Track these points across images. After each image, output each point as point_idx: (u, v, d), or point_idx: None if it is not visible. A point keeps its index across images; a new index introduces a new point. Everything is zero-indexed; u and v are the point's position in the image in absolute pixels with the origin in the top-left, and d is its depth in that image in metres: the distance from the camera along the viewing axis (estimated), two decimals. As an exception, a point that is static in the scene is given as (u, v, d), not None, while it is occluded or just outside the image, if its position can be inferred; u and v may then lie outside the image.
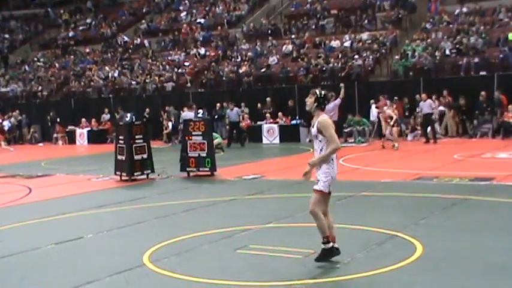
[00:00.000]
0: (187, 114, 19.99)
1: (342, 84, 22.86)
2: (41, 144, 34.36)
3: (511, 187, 12.65)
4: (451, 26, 30.50)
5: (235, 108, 26.94)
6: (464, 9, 31.34)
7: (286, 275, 7.07)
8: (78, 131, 33.40)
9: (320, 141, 7.38)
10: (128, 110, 27.04)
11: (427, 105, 23.38)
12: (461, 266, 7.20)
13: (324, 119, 7.39)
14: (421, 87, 26.29)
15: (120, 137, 16.63)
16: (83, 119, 33.50)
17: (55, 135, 33.92)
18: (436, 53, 28.02)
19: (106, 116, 32.90)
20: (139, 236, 9.66)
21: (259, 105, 29.11)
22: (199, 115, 17.45)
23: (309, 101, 7.53)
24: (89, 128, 33.28)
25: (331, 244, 7.40)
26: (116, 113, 31.78)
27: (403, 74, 28.34)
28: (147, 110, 31.25)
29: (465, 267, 7.12)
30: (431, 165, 16.59)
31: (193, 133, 16.51)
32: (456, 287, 6.43)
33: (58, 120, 34.24)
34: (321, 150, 7.36)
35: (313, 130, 7.47)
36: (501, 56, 26.55)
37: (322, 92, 7.55)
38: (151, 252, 8.37)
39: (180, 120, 21.21)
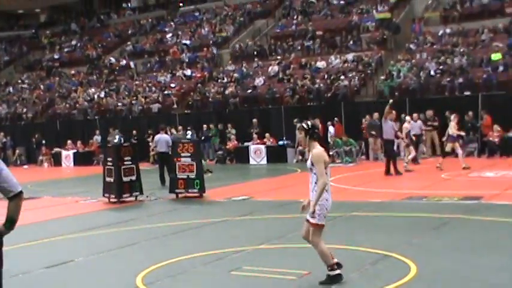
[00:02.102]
0: (161, 137, 19.76)
1: (391, 100, 20.98)
2: (26, 166, 34.11)
3: (499, 206, 12.74)
4: (435, 46, 30.86)
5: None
6: (448, 30, 31.71)
7: (282, 296, 7.04)
8: (64, 153, 33.21)
9: (315, 173, 7.38)
10: (116, 132, 27.10)
11: (418, 126, 23.39)
12: (456, 285, 7.21)
13: (317, 152, 7.38)
14: (407, 107, 26.50)
15: (109, 159, 16.56)
16: (69, 141, 33.34)
17: (40, 157, 33.71)
18: (421, 73, 28.32)
19: (98, 138, 32.63)
20: (131, 259, 9.58)
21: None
22: (188, 136, 17.44)
23: (300, 137, 7.56)
24: (74, 150, 33.10)
25: (337, 271, 7.39)
26: (103, 136, 31.64)
27: (388, 94, 28.52)
28: (134, 131, 31.17)
29: (459, 287, 7.13)
30: (419, 185, 16.67)
31: (182, 154, 16.48)
32: (452, 307, 6.44)
33: (43, 142, 34.06)
34: (315, 182, 7.37)
35: (308, 163, 7.50)
36: (484, 76, 26.85)
37: (309, 123, 7.61)
38: (144, 274, 8.31)
39: (154, 144, 20.90)
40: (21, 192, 5.10)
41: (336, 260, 7.48)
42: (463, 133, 21.87)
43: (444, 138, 21.38)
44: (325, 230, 10.73)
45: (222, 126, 30.08)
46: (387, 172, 19.46)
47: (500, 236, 9.93)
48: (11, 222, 5.14)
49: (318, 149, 7.41)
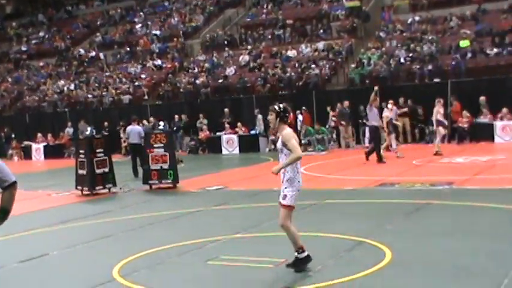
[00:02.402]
0: (133, 128, 19.63)
1: (376, 88, 20.68)
2: (-5, 160, 33.62)
3: (470, 191, 12.95)
4: (404, 34, 31.11)
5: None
6: (417, 18, 31.98)
7: (259, 284, 7.10)
8: (34, 146, 32.83)
9: (285, 155, 7.45)
10: (86, 123, 26.88)
11: (394, 113, 23.17)
12: (431, 270, 7.33)
13: (287, 132, 7.47)
14: (378, 95, 26.71)
15: (81, 151, 16.43)
16: (39, 134, 32.96)
17: (10, 151, 33.26)
18: (391, 61, 28.54)
19: (70, 130, 32.27)
20: (107, 251, 9.55)
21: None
22: (161, 127, 17.40)
23: (271, 118, 7.61)
24: (45, 143, 32.74)
25: (306, 253, 7.48)
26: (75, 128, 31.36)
27: (359, 82, 28.74)
28: (106, 123, 30.92)
29: (435, 271, 7.25)
30: (391, 172, 16.84)
31: (155, 145, 16.41)
32: (427, 290, 6.55)
33: (13, 135, 33.62)
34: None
35: (278, 144, 7.56)
36: (453, 63, 27.15)
37: (281, 106, 7.65)
38: (121, 266, 8.28)
39: (126, 135, 20.76)
40: (15, 182, 5.11)
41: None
42: (445, 121, 21.82)
43: (434, 127, 21.31)
44: (299, 218, 10.83)
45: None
46: (380, 159, 19.08)
47: (473, 220, 10.11)
48: (4, 212, 5.17)
49: (287, 130, 7.49)
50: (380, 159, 19.11)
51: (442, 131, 20.66)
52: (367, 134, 23.10)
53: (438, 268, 7.36)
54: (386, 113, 20.68)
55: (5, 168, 5.18)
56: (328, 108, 26.91)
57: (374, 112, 19.49)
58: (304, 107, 27.22)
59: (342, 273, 7.27)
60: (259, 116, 27.46)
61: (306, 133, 26.23)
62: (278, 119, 7.53)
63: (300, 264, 7.48)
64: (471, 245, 8.33)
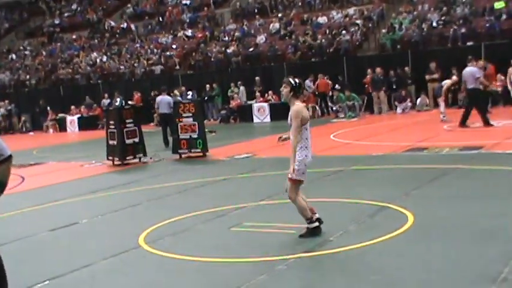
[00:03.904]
0: (162, 98, 19.77)
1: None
2: (31, 133, 34.31)
3: (499, 155, 12.79)
4: (436, -3, 30.49)
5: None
6: (450, -20, 31.24)
7: (280, 250, 7.16)
8: (69, 118, 33.35)
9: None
10: (120, 94, 27.18)
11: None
12: (451, 233, 7.31)
13: (297, 107, 7.47)
14: (409, 59, 26.46)
15: (111, 122, 16.65)
16: (73, 106, 33.43)
17: (46, 123, 33.85)
18: (423, 25, 28.05)
19: (106, 102, 32.57)
20: (134, 219, 9.73)
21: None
22: (189, 97, 17.48)
23: (284, 91, 7.61)
24: (79, 115, 33.21)
25: (316, 223, 7.55)
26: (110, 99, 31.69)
27: (390, 47, 28.37)
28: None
29: (455, 234, 7.23)
30: (421, 137, 16.70)
31: (184, 115, 16.52)
32: (447, 254, 6.53)
33: (48, 108, 34.16)
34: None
35: (289, 119, 7.58)
36: (487, 25, 26.58)
37: (297, 81, 7.65)
38: (147, 234, 8.45)
39: (156, 106, 20.94)
40: (10, 156, 5.16)
41: (317, 216, 7.62)
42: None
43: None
44: (325, 184, 10.90)
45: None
46: (487, 122, 17.73)
47: (499, 184, 10.00)
48: (1, 185, 5.19)
49: (298, 105, 7.50)
50: (487, 122, 17.76)
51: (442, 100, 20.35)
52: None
53: (460, 232, 7.33)
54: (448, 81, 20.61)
55: (1, 142, 5.18)
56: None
57: (473, 74, 17.85)
58: (320, 74, 27.09)
59: (363, 238, 7.30)
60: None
61: (337, 100, 26.09)
62: (292, 92, 7.53)
63: (309, 235, 7.54)
64: (495, 209, 8.26)
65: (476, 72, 18.02)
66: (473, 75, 17.79)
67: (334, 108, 26.41)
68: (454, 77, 20.93)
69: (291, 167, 7.47)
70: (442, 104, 20.28)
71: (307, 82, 26.59)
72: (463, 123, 17.92)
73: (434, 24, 28.00)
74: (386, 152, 14.41)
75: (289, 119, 7.58)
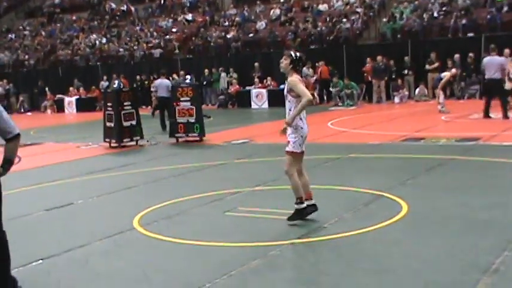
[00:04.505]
0: (161, 82, 19.72)
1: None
2: (29, 113, 34.25)
3: (496, 146, 12.81)
4: (438, -13, 30.36)
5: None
6: (452, -30, 31.12)
7: (274, 235, 7.19)
8: (67, 99, 33.29)
9: (289, 101, 7.48)
10: (117, 77, 27.14)
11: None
12: (445, 223, 7.34)
13: (295, 78, 7.44)
14: (409, 49, 26.43)
15: (109, 104, 16.63)
16: (71, 88, 33.36)
17: (44, 103, 33.79)
18: (424, 15, 27.99)
19: (104, 84, 32.48)
20: (129, 201, 9.74)
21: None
22: (187, 81, 17.45)
23: (284, 62, 7.58)
24: (77, 96, 33.16)
25: (304, 205, 7.56)
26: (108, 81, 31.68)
27: (391, 36, 28.31)
28: (138, 77, 31.15)
29: (448, 225, 7.25)
30: (418, 127, 16.69)
31: (182, 99, 16.50)
32: (440, 244, 6.56)
33: (46, 89, 34.09)
34: (290, 110, 7.47)
35: (285, 90, 7.55)
36: (488, 16, 26.53)
37: (298, 54, 7.61)
38: (141, 216, 8.47)
39: (154, 88, 20.88)
40: (18, 134, 5.27)
41: (312, 202, 7.64)
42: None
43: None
44: (321, 172, 10.90)
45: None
46: (506, 115, 17.27)
47: (495, 176, 10.03)
48: (8, 163, 5.34)
49: (294, 77, 7.44)
50: (506, 114, 17.29)
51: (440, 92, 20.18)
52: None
53: (453, 222, 7.36)
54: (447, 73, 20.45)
55: (10, 120, 5.32)
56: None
57: (502, 64, 17.48)
58: (322, 62, 27.04)
59: (357, 225, 7.32)
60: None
61: (335, 84, 26.01)
62: (291, 65, 7.49)
63: (296, 216, 7.54)
64: (489, 200, 8.28)
65: (505, 62, 17.74)
66: (502, 65, 17.47)
67: (333, 92, 26.22)
68: (454, 70, 20.93)
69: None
70: (441, 94, 20.25)
71: (305, 69, 26.50)
72: (487, 114, 17.60)
73: (435, 14, 27.94)
74: (383, 141, 14.43)
75: (285, 90, 7.54)
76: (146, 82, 30.40)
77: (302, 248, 6.78)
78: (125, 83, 28.76)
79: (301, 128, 7.46)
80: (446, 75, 20.39)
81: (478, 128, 15.82)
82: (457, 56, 24.56)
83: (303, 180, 7.64)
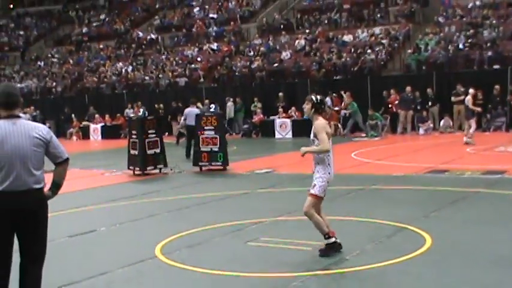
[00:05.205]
0: (191, 110, 19.77)
1: None
2: (55, 139, 34.54)
3: (523, 180, 12.65)
4: (464, 19, 30.34)
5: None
6: (478, 3, 31.14)
7: (296, 266, 7.15)
8: (92, 126, 33.61)
9: (316, 145, 7.52)
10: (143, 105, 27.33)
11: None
12: (470, 258, 7.24)
13: (319, 122, 7.55)
14: (434, 81, 26.33)
15: (133, 132, 16.76)
16: (97, 115, 33.71)
17: (70, 130, 34.16)
18: (449, 47, 27.93)
19: (129, 112, 32.65)
20: (152, 229, 9.76)
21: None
22: (212, 110, 17.54)
23: (306, 107, 7.73)
24: (102, 124, 33.48)
25: (333, 239, 7.52)
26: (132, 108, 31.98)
27: (416, 68, 28.28)
28: (161, 105, 31.42)
29: (474, 260, 7.16)
30: (443, 159, 16.57)
31: (206, 128, 16.58)
32: (464, 279, 6.47)
33: (73, 115, 34.48)
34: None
35: (311, 135, 7.62)
36: (515, 49, 26.41)
37: (318, 98, 7.76)
38: (163, 244, 8.48)
39: (184, 117, 20.93)
40: (67, 158, 5.42)
41: (337, 240, 7.60)
42: (478, 109, 21.16)
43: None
44: (344, 203, 10.86)
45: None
46: None
47: (520, 210, 9.90)
48: (57, 186, 5.50)
49: (320, 121, 7.56)
50: None
51: (472, 121, 19.90)
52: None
53: (477, 257, 7.26)
54: (469, 98, 20.04)
55: (60, 145, 5.49)
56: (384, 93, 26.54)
57: None
58: (334, 94, 27.04)
59: (380, 258, 7.26)
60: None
61: (371, 117, 25.69)
62: (313, 109, 7.59)
63: (329, 251, 7.53)
64: (515, 235, 8.17)
65: None
66: None
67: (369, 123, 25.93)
68: (471, 90, 20.41)
69: (312, 182, 7.51)
70: (473, 124, 19.99)
71: (327, 100, 26.52)
72: None
73: (461, 46, 27.86)
74: (407, 173, 14.33)
75: (312, 134, 7.60)
76: (161, 111, 30.69)
77: (324, 280, 6.73)
78: (136, 113, 28.95)
79: (329, 173, 7.53)
80: (469, 99, 20.02)
81: (503, 161, 15.65)
82: (458, 86, 24.43)
83: (323, 217, 7.66)
